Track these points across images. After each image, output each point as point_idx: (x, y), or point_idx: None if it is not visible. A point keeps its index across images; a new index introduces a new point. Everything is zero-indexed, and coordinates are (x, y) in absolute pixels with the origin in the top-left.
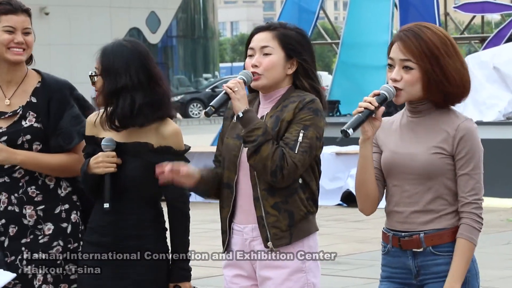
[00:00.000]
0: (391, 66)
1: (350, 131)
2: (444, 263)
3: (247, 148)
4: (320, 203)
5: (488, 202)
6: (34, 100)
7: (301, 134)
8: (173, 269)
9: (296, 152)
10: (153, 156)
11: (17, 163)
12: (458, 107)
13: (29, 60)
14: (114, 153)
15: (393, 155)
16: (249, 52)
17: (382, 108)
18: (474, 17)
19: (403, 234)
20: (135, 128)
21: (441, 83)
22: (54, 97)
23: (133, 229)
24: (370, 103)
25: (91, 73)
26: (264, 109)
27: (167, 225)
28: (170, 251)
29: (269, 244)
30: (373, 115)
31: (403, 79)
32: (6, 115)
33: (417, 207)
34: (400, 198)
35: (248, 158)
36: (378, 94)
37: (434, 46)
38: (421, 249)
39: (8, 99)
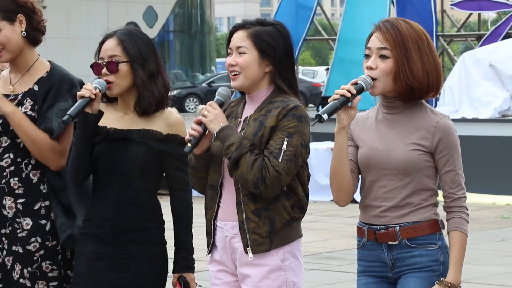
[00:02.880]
0: (367, 56)
1: (325, 116)
2: (419, 255)
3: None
4: (315, 198)
5: (483, 199)
6: (36, 88)
7: (285, 142)
8: (177, 260)
9: (279, 160)
10: (159, 143)
11: (6, 112)
12: (453, 104)
13: (37, 40)
14: (92, 87)
15: (371, 151)
16: (229, 51)
17: (358, 98)
18: (470, 14)
19: (378, 227)
20: (142, 115)
21: (406, 75)
22: (53, 88)
23: (134, 222)
24: (348, 91)
25: (101, 63)
26: (249, 109)
27: (164, 218)
28: (174, 242)
29: (248, 249)
30: (349, 104)
31: (379, 68)
32: (8, 99)
33: (394, 202)
34: (377, 193)
35: (230, 175)
36: (356, 83)
37: (407, 38)
38: (396, 242)
39: (12, 85)
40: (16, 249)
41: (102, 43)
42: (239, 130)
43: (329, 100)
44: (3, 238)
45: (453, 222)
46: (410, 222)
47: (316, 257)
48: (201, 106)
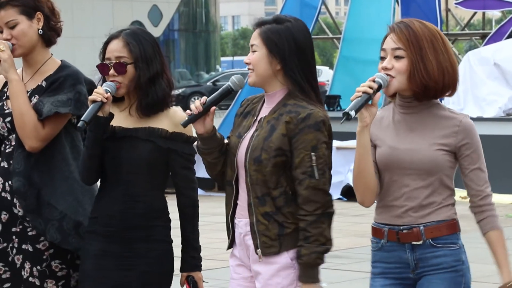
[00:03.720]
0: (383, 58)
1: (352, 113)
2: (442, 255)
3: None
4: None
5: None
6: (43, 84)
7: (313, 158)
8: (185, 259)
9: (317, 178)
10: (165, 141)
11: (11, 79)
12: (458, 103)
13: (52, 40)
14: (103, 90)
15: (392, 151)
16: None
17: (379, 95)
18: (475, 13)
19: (401, 227)
20: (147, 114)
21: (421, 74)
22: (57, 81)
23: (141, 220)
24: (369, 87)
25: (109, 64)
26: (266, 109)
27: (171, 216)
28: (180, 240)
29: (258, 251)
30: (370, 102)
31: (394, 68)
32: None
33: (417, 201)
34: (398, 193)
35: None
36: (374, 81)
37: (421, 37)
38: (420, 242)
39: (24, 83)
40: (26, 248)
41: (107, 43)
42: (253, 130)
43: (351, 98)
44: (14, 237)
45: (488, 222)
46: (434, 221)
47: None
48: (203, 98)
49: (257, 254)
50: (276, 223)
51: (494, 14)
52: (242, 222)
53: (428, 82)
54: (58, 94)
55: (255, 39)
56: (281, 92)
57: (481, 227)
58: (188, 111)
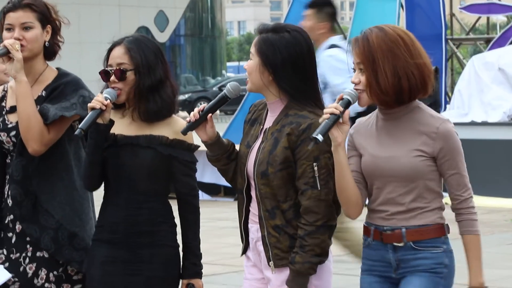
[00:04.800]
0: (354, 70)
1: (319, 137)
2: (423, 258)
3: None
4: None
5: (493, 202)
6: (43, 94)
7: (315, 168)
8: (185, 265)
9: (319, 188)
10: (166, 148)
11: (20, 79)
12: (463, 108)
13: (51, 55)
14: (102, 97)
15: (373, 159)
16: None
17: (348, 112)
18: (479, 18)
19: (384, 227)
20: (148, 122)
21: (374, 88)
22: (58, 89)
23: (146, 225)
24: (335, 108)
25: (110, 70)
26: (271, 118)
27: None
28: (182, 247)
29: (271, 263)
30: (340, 120)
31: (361, 82)
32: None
33: (401, 207)
34: (383, 199)
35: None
36: (342, 99)
37: (376, 48)
38: (401, 244)
39: None
40: (41, 255)
41: (110, 50)
42: (259, 142)
43: (320, 120)
44: (28, 246)
45: (463, 225)
46: (417, 225)
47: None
48: (201, 106)
49: (269, 266)
50: (286, 235)
51: (499, 18)
52: (254, 228)
53: (380, 96)
54: (60, 102)
55: (253, 47)
56: (280, 102)
57: (459, 228)
58: (187, 118)
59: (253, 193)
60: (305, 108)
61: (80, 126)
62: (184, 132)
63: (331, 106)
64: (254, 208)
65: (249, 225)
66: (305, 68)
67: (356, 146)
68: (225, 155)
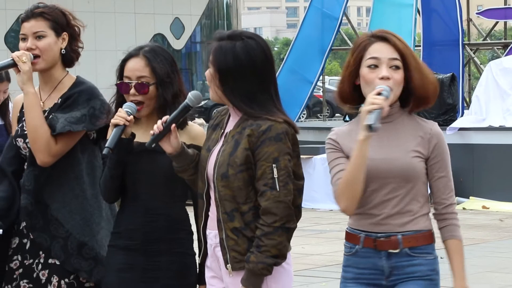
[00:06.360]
0: (375, 66)
1: (378, 124)
2: (418, 264)
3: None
4: (331, 207)
5: (509, 207)
6: (59, 102)
7: (274, 170)
8: (202, 271)
9: (278, 189)
10: None
11: (27, 91)
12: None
13: (70, 62)
14: (124, 112)
15: (370, 161)
16: None
17: (386, 105)
18: (497, 23)
19: (378, 234)
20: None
21: (413, 87)
22: (71, 97)
23: (163, 232)
24: (382, 100)
25: (129, 83)
26: (232, 122)
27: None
28: (198, 253)
29: (228, 266)
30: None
31: (393, 78)
32: None
33: (396, 209)
34: (378, 202)
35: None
36: (379, 93)
37: (409, 48)
38: (397, 250)
39: (43, 102)
40: (53, 262)
41: (125, 60)
42: (220, 145)
43: (367, 110)
44: (41, 252)
45: (448, 230)
46: (412, 231)
47: (329, 265)
48: (164, 118)
49: (227, 269)
50: (245, 238)
51: None
52: (212, 234)
53: (421, 93)
54: (72, 111)
55: (210, 55)
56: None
57: (442, 234)
58: (151, 131)
59: (212, 195)
60: (262, 115)
61: (107, 145)
62: (149, 145)
63: (377, 97)
64: (212, 212)
65: (207, 231)
66: (261, 75)
67: (343, 149)
68: (191, 165)
